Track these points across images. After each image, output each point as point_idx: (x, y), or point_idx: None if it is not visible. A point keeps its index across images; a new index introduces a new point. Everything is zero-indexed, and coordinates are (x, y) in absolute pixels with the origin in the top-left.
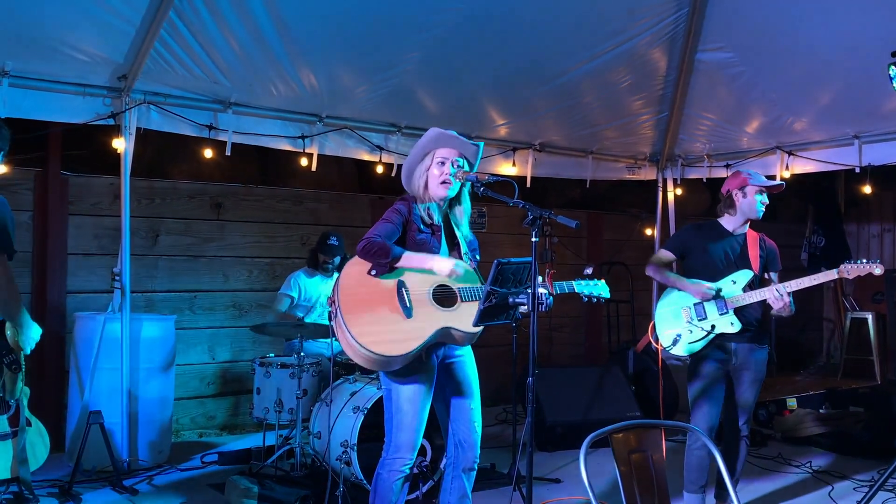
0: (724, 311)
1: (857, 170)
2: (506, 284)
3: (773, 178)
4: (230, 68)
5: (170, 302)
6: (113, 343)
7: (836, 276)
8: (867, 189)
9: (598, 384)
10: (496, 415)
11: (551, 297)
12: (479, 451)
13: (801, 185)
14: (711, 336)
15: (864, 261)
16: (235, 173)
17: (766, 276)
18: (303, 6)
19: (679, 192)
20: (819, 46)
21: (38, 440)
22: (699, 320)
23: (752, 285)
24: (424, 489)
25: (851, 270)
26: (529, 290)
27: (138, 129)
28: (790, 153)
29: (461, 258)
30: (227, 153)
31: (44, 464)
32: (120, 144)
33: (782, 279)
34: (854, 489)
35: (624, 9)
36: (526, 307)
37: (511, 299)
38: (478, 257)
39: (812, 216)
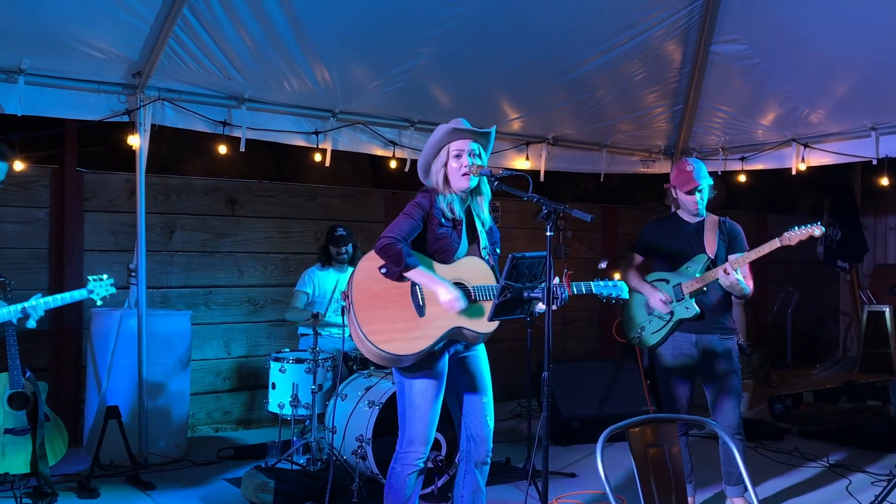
0: (681, 296)
1: (874, 162)
2: (520, 279)
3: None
4: (244, 64)
5: (185, 297)
6: (129, 338)
7: (779, 245)
8: (884, 181)
9: (612, 378)
10: (511, 409)
11: (566, 292)
12: (491, 445)
13: (816, 178)
14: (672, 323)
15: (804, 225)
16: (249, 169)
17: (728, 257)
18: (316, 1)
19: None
20: (835, 37)
21: (56, 435)
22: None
23: (709, 269)
24: (439, 483)
25: (793, 237)
26: (544, 285)
27: (153, 125)
28: (806, 145)
29: (480, 252)
30: (242, 149)
31: (62, 458)
32: (135, 141)
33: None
34: (871, 483)
35: (638, 1)
36: (541, 302)
37: (526, 294)
38: (498, 251)
39: (828, 209)
